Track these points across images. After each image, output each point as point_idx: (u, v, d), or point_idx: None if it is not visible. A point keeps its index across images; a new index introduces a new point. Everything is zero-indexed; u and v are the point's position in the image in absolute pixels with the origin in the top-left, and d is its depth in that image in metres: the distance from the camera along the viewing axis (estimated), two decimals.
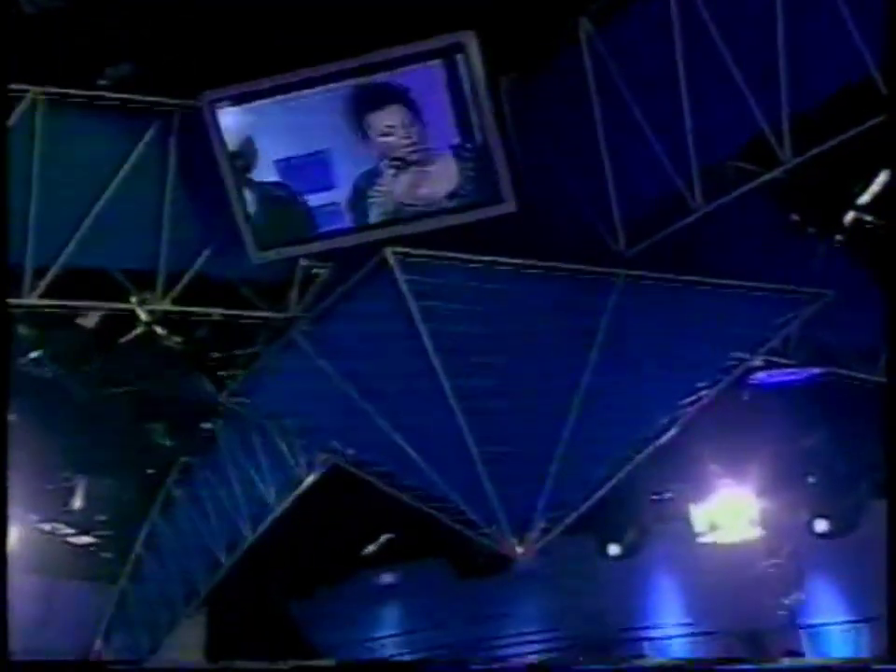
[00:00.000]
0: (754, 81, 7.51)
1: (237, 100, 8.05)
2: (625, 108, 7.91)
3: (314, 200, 8.31)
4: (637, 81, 7.94)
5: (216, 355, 9.53)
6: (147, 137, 8.28)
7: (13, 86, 7.80)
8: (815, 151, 7.32)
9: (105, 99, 8.06)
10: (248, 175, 8.22)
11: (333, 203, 8.30)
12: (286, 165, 8.22)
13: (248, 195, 8.28)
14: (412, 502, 8.91)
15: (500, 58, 7.79)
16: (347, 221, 8.30)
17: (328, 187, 8.28)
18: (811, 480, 10.94)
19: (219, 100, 8.04)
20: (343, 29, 7.64)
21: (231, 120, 8.09)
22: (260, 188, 8.28)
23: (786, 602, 11.94)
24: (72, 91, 7.93)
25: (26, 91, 7.90)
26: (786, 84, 7.33)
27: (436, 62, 7.73)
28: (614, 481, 8.86)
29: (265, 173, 8.24)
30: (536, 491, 8.47)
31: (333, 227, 8.37)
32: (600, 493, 8.92)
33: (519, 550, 8.57)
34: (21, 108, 7.87)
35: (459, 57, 7.61)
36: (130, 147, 8.28)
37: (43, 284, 8.34)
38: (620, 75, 7.89)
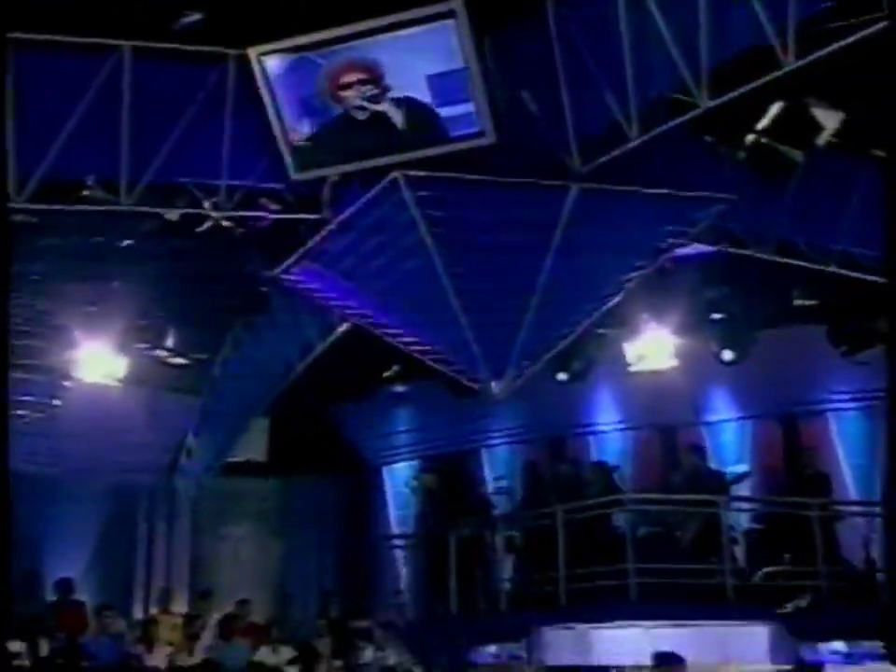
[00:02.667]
0: (680, 32, 7.32)
1: (280, 53, 7.74)
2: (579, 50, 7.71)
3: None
4: (588, 27, 7.68)
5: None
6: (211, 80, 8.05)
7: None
8: (727, 97, 7.21)
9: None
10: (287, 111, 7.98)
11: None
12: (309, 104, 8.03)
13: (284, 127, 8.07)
14: (414, 354, 9.11)
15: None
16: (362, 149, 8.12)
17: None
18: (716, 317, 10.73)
19: (266, 53, 7.74)
20: None
21: (275, 67, 7.82)
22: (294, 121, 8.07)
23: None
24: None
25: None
26: (705, 38, 7.16)
27: (432, 24, 7.40)
28: (571, 337, 9.01)
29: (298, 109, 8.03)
30: (508, 348, 8.62)
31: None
32: (560, 346, 9.08)
33: (495, 390, 8.76)
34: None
35: (451, 21, 7.31)
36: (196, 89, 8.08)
37: (136, 194, 8.32)
38: (575, 20, 7.66)
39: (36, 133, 7.91)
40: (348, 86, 7.91)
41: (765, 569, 10.89)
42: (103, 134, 8.03)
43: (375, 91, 7.89)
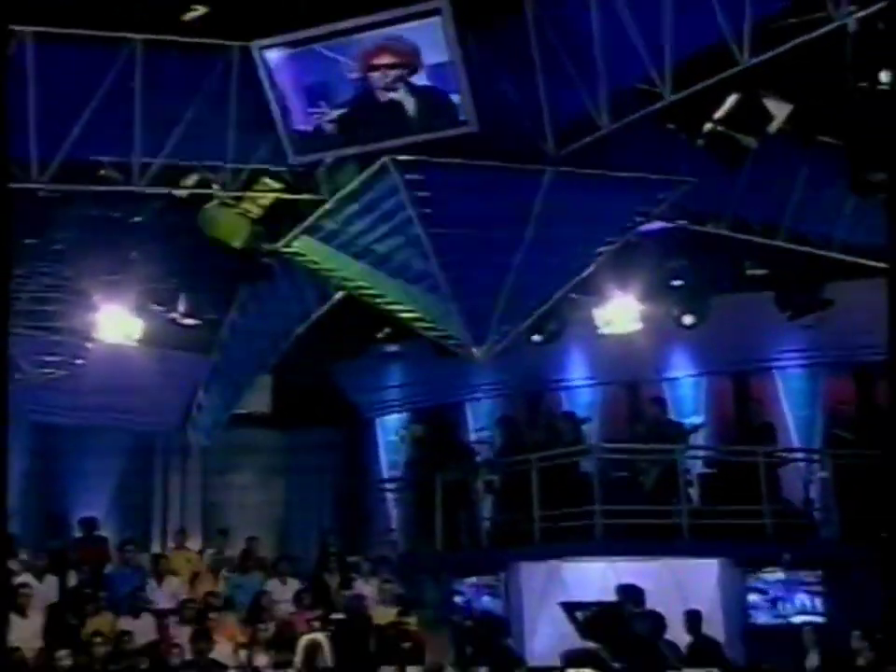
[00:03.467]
0: (646, 31, 7.30)
1: (280, 46, 7.64)
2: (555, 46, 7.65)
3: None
4: (563, 24, 7.60)
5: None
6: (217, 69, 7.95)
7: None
8: (688, 91, 7.24)
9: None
10: (286, 100, 7.88)
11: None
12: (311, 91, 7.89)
13: (284, 114, 7.96)
14: (402, 322, 9.11)
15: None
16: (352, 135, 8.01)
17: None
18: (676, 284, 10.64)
19: (267, 46, 7.64)
20: None
21: (275, 59, 7.71)
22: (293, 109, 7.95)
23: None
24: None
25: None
26: (668, 36, 7.15)
27: (422, 20, 7.32)
28: (546, 306, 9.01)
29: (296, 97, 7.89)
30: (488, 315, 8.49)
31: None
32: (536, 313, 9.08)
33: (477, 354, 8.76)
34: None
35: (438, 18, 7.23)
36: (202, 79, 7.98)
37: (148, 176, 8.28)
38: (550, 18, 7.60)
39: (57, 119, 7.88)
40: (377, 67, 7.68)
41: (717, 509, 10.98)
42: (117, 121, 7.95)
43: (400, 77, 7.68)
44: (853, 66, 7.12)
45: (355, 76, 7.68)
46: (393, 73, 7.67)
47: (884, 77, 7.30)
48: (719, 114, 7.80)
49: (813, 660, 9.48)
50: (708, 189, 8.67)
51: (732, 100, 7.69)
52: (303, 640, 5.45)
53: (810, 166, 8.67)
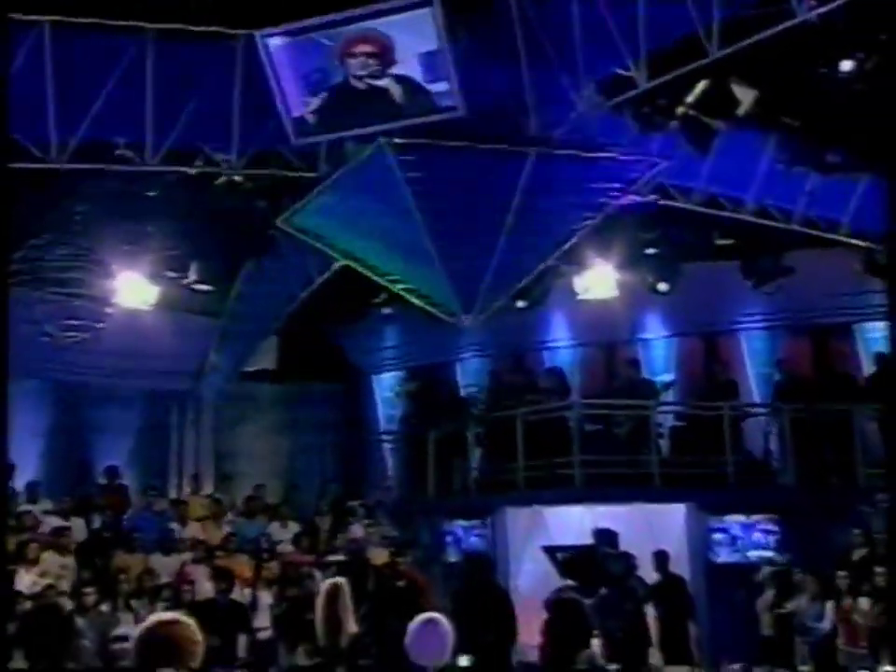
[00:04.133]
0: (622, 18, 7.25)
1: (282, 35, 7.53)
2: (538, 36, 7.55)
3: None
4: (546, 16, 7.48)
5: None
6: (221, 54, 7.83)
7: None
8: (661, 79, 7.20)
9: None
10: (286, 85, 7.74)
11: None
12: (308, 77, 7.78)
13: (284, 98, 7.85)
14: (397, 290, 9.10)
15: None
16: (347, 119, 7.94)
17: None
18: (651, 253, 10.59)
19: (269, 35, 7.53)
20: None
21: (276, 46, 7.59)
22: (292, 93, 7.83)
23: None
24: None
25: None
26: (643, 29, 7.11)
27: (415, 11, 7.20)
28: (530, 277, 9.02)
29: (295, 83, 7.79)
30: (476, 286, 8.51)
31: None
32: (521, 283, 9.10)
33: (466, 321, 8.78)
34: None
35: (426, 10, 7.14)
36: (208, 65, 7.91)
37: (160, 155, 8.23)
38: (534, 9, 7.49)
39: (75, 103, 7.81)
40: (353, 55, 7.58)
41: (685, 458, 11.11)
42: (131, 104, 7.87)
43: (378, 66, 7.58)
44: (816, 56, 7.12)
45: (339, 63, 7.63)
46: (372, 61, 7.58)
47: (845, 66, 7.32)
48: (690, 98, 7.78)
49: (769, 595, 9.59)
50: (680, 168, 8.68)
51: (702, 86, 7.67)
52: (325, 584, 5.20)
53: (773, 146, 8.61)
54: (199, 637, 3.11)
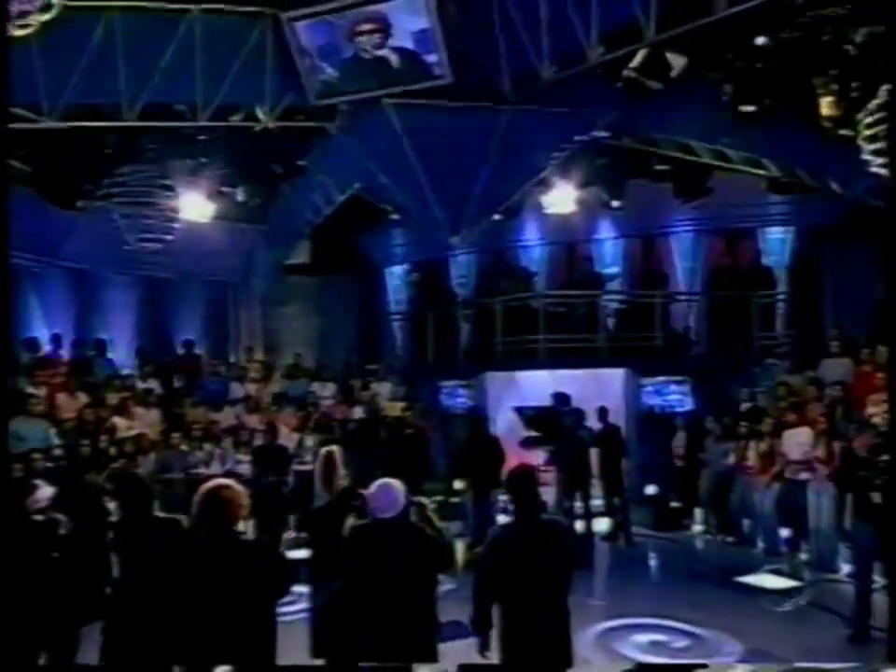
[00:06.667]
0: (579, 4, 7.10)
1: (303, 17, 7.43)
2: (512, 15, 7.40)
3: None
4: None
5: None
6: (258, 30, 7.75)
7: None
8: (610, 56, 7.12)
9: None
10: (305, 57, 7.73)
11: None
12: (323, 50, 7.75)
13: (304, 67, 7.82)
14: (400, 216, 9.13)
15: None
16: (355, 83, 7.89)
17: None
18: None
19: (293, 18, 7.44)
20: None
21: (298, 26, 7.51)
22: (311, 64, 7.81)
23: None
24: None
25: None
26: (595, 12, 7.01)
27: None
28: (507, 202, 9.08)
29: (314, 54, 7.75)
30: (463, 211, 8.57)
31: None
32: (500, 208, 9.14)
33: (454, 240, 8.93)
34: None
35: None
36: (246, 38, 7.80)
37: (209, 111, 8.16)
38: None
39: (138, 72, 7.77)
40: (361, 33, 7.55)
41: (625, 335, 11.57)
42: (183, 73, 7.79)
43: (380, 40, 7.54)
44: (736, 34, 7.03)
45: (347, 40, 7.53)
46: (375, 37, 7.51)
47: (760, 40, 7.25)
48: (633, 64, 7.71)
49: (680, 437, 10.09)
50: (625, 116, 8.57)
51: (642, 54, 7.58)
52: (322, 451, 4.85)
53: (701, 99, 8.50)
54: (244, 500, 3.24)
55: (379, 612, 3.52)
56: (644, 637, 5.75)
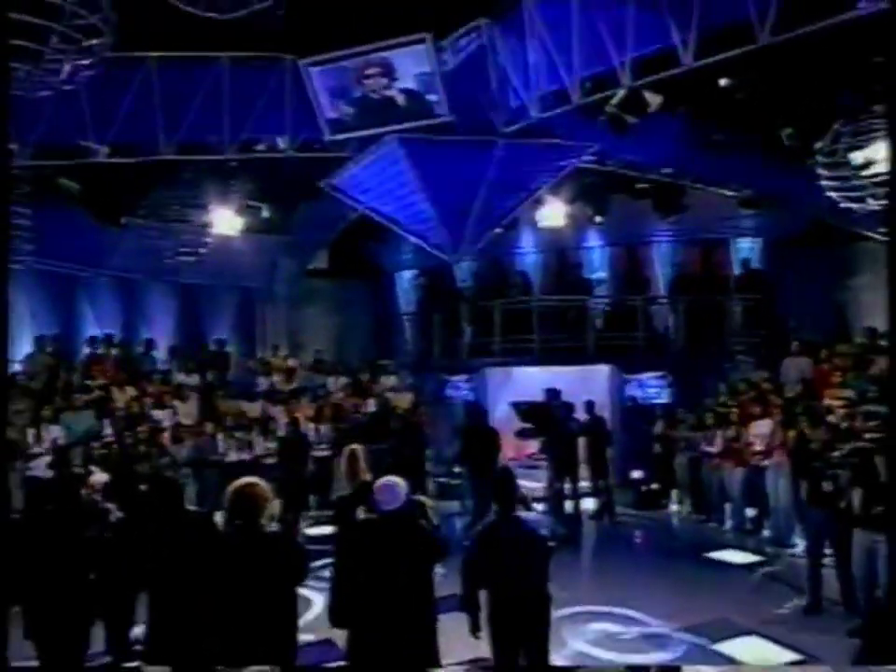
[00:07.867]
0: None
1: (317, 63, 7.68)
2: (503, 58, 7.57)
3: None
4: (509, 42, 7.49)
5: None
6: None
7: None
8: (594, 97, 7.31)
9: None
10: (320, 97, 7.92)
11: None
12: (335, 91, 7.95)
13: (319, 106, 7.98)
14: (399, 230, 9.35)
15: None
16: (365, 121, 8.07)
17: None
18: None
19: (309, 63, 7.69)
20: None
21: (314, 70, 7.77)
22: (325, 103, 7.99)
23: None
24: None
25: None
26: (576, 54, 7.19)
27: (413, 46, 7.36)
28: (503, 221, 9.26)
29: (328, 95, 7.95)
30: (463, 230, 8.65)
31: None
32: (496, 227, 9.24)
33: (454, 258, 9.10)
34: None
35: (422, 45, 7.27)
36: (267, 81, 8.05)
37: (236, 145, 8.40)
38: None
39: (167, 113, 8.01)
40: (368, 77, 7.78)
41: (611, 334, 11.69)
42: (212, 113, 8.03)
43: (386, 82, 7.73)
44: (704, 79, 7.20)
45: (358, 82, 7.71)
46: (381, 80, 7.70)
47: (722, 82, 7.44)
48: (614, 101, 7.87)
49: (660, 426, 10.29)
50: (607, 146, 8.70)
51: (622, 93, 7.74)
52: (346, 449, 4.90)
53: (675, 129, 8.66)
54: (270, 496, 3.30)
55: (378, 594, 3.55)
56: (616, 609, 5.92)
